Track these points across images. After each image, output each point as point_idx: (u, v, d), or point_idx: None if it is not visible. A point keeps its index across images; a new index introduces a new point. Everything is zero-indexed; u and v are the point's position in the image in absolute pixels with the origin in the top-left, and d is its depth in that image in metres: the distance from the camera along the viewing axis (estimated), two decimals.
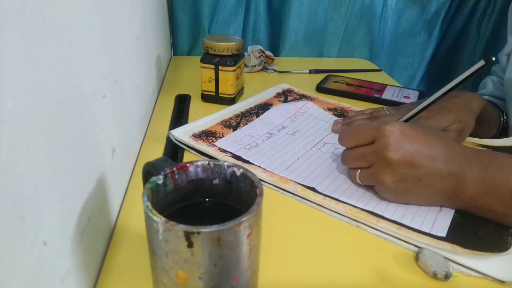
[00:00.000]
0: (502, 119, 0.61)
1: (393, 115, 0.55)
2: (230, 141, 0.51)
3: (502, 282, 0.33)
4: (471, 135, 0.53)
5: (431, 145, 0.38)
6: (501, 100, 0.66)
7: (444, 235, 0.37)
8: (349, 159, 0.43)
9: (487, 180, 0.37)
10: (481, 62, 0.39)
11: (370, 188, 0.43)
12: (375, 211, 0.40)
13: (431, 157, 0.38)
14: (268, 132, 0.55)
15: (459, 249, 0.35)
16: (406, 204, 0.41)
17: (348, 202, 0.41)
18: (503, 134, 0.60)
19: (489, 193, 0.37)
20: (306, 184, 0.43)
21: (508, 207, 0.36)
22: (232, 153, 0.49)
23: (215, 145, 0.50)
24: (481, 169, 0.37)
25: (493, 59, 0.38)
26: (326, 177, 0.45)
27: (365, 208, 0.40)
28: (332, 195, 0.42)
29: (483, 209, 0.38)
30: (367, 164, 0.41)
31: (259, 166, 0.46)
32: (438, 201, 0.40)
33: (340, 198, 0.41)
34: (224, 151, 0.49)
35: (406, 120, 0.45)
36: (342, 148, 0.52)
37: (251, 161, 0.47)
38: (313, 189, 0.43)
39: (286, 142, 0.53)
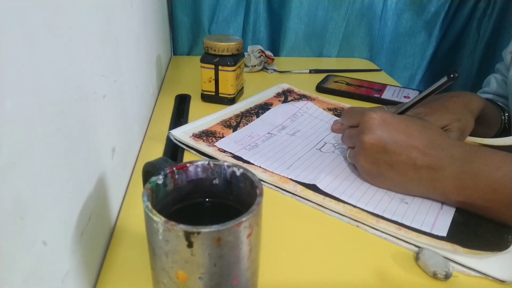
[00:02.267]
0: (503, 117, 0.61)
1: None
2: (231, 142, 0.51)
3: (502, 281, 0.33)
4: (471, 135, 0.53)
5: (410, 136, 0.40)
6: (504, 99, 0.65)
7: (444, 234, 0.37)
8: (343, 137, 0.47)
9: (468, 174, 0.37)
10: (444, 79, 0.41)
11: (370, 187, 0.43)
12: (376, 211, 0.40)
13: (406, 146, 0.39)
14: (268, 133, 0.55)
15: (459, 248, 0.35)
16: (385, 188, 0.43)
17: (349, 201, 0.41)
18: (504, 133, 0.60)
19: (470, 187, 0.37)
20: (306, 182, 0.43)
21: (490, 202, 0.37)
22: (233, 154, 0.49)
23: (215, 145, 0.50)
24: (463, 163, 0.37)
25: (457, 75, 0.40)
26: (326, 176, 0.45)
27: (366, 208, 0.40)
28: (332, 194, 0.42)
29: (467, 204, 0.39)
30: (352, 145, 0.45)
31: (260, 167, 0.46)
32: (413, 190, 0.41)
33: (340, 197, 0.41)
34: (224, 151, 0.49)
35: (401, 113, 0.47)
36: (342, 147, 0.52)
37: (251, 162, 0.47)
38: (314, 186, 0.43)
39: (286, 142, 0.53)
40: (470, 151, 0.38)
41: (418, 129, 0.40)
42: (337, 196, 0.41)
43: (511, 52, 0.65)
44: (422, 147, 0.39)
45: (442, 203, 0.41)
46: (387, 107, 0.57)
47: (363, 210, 0.40)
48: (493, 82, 0.69)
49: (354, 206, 0.40)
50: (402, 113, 0.46)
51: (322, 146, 0.52)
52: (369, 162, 0.41)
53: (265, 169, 0.46)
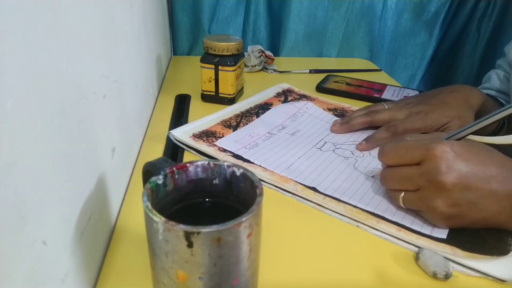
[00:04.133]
0: None
1: (410, 101, 0.54)
2: (231, 141, 0.51)
3: (502, 281, 0.33)
4: (472, 132, 0.53)
5: (485, 165, 0.35)
6: (505, 95, 0.65)
7: (444, 237, 0.37)
8: (391, 180, 0.39)
9: None
10: None
11: (371, 188, 0.43)
12: (376, 211, 0.39)
13: (486, 178, 0.34)
14: (268, 132, 0.55)
15: (458, 251, 0.35)
16: (458, 228, 0.37)
17: (349, 202, 0.41)
18: (503, 129, 0.60)
19: None
20: (307, 184, 0.43)
21: None
22: (233, 153, 0.49)
23: (215, 145, 0.50)
24: None
25: None
26: (326, 176, 0.45)
27: (366, 208, 0.40)
28: (333, 195, 0.42)
29: None
30: (413, 187, 0.37)
31: (260, 166, 0.46)
32: (492, 224, 0.36)
33: (341, 198, 0.41)
34: (224, 150, 0.49)
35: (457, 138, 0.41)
36: (342, 148, 0.52)
37: (251, 160, 0.47)
38: (314, 189, 0.43)
39: (287, 142, 0.53)
40: None
41: (488, 156, 0.36)
42: (337, 197, 0.41)
43: None
44: (499, 175, 0.35)
45: None
46: (386, 104, 0.57)
47: (363, 210, 0.40)
48: (494, 78, 0.68)
49: (355, 207, 0.40)
50: (460, 138, 0.40)
51: (322, 146, 0.52)
52: (450, 204, 0.35)
53: (265, 168, 0.46)
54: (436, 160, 0.35)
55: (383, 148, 0.40)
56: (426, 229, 0.37)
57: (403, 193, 0.38)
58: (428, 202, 0.36)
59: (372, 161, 0.49)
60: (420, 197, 0.36)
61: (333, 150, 0.51)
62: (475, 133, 0.47)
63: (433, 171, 0.35)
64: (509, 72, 0.65)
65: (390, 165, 0.39)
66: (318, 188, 0.43)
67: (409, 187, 0.37)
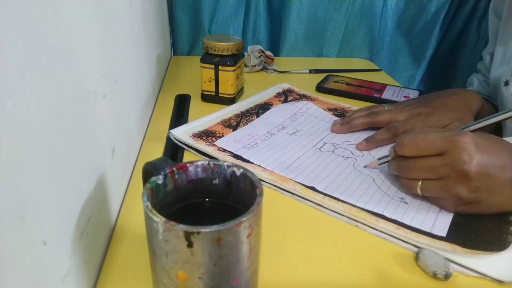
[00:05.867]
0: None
1: (412, 103, 0.55)
2: (230, 141, 0.51)
3: (501, 282, 0.33)
4: None
5: (501, 155, 0.38)
6: (490, 98, 0.66)
7: (444, 234, 0.37)
8: (412, 169, 0.40)
9: None
10: None
11: (370, 187, 0.43)
12: (375, 210, 0.40)
13: (502, 166, 0.37)
14: (268, 132, 0.55)
15: (458, 248, 0.35)
16: (473, 213, 0.39)
17: (348, 201, 0.41)
18: (496, 131, 0.61)
19: None
20: (306, 184, 0.43)
21: None
22: (232, 153, 0.49)
23: (215, 145, 0.50)
24: None
25: None
26: (326, 176, 0.45)
27: (365, 207, 0.40)
28: (332, 194, 0.42)
29: None
30: (435, 176, 0.39)
31: (259, 166, 0.46)
32: (505, 208, 0.39)
33: (340, 197, 0.41)
34: (224, 150, 0.49)
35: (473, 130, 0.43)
36: (342, 148, 0.52)
37: (251, 160, 0.47)
38: (313, 188, 0.43)
39: (286, 141, 0.53)
40: None
41: (501, 146, 0.39)
42: (336, 196, 0.41)
43: (490, 54, 0.66)
44: (511, 163, 0.37)
45: None
46: (387, 105, 0.57)
47: (362, 209, 0.40)
48: (475, 82, 0.70)
49: (354, 206, 0.40)
50: (473, 130, 0.43)
51: (322, 146, 0.52)
52: (471, 191, 0.37)
53: (264, 168, 0.46)
54: (460, 150, 0.37)
55: (403, 140, 0.41)
56: (426, 227, 0.37)
57: (420, 182, 0.40)
58: (451, 190, 0.38)
59: (371, 161, 0.49)
60: (441, 185, 0.38)
61: (333, 151, 0.51)
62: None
63: (457, 161, 0.37)
64: (487, 76, 0.66)
65: (410, 156, 0.40)
66: (317, 188, 0.43)
67: (430, 176, 0.39)
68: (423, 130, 0.41)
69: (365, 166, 0.47)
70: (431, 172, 0.39)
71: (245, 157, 0.48)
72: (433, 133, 0.40)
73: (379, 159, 0.46)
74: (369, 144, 0.52)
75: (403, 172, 0.41)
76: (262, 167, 0.46)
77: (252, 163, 0.47)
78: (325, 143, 0.53)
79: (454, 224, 0.38)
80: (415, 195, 0.42)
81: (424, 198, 0.41)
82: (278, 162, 0.47)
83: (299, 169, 0.46)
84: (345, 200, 0.41)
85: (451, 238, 0.36)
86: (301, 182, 0.44)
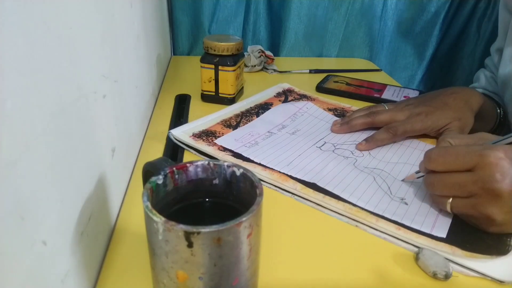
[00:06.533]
0: (498, 111, 0.61)
1: (412, 103, 0.55)
2: (230, 139, 0.51)
3: (501, 282, 0.33)
4: (470, 132, 0.53)
5: None
6: (495, 94, 0.66)
7: (444, 236, 0.37)
8: (440, 186, 0.38)
9: None
10: None
11: (371, 186, 0.43)
12: (376, 210, 0.40)
13: None
14: (268, 131, 0.55)
15: (458, 251, 0.35)
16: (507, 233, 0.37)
17: (349, 200, 0.41)
18: (499, 127, 0.60)
19: None
20: (307, 180, 0.43)
21: None
22: (233, 151, 0.49)
23: (215, 145, 0.50)
24: None
25: None
26: (327, 173, 0.45)
27: (366, 207, 0.40)
28: (333, 191, 0.42)
29: None
30: (464, 194, 0.36)
31: (260, 164, 0.46)
32: None
33: (341, 195, 0.41)
34: (224, 149, 0.49)
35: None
36: (342, 148, 0.52)
37: (251, 158, 0.47)
38: (314, 185, 0.43)
39: (287, 140, 0.53)
40: None
41: None
42: (337, 193, 0.41)
43: (498, 49, 0.65)
44: None
45: None
46: (387, 105, 0.57)
47: (363, 209, 0.40)
48: (482, 78, 0.69)
49: (354, 205, 0.40)
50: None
51: (322, 145, 0.53)
52: (505, 212, 0.34)
53: (265, 166, 0.46)
54: (491, 167, 0.34)
55: (430, 154, 0.38)
56: (426, 228, 0.37)
57: (451, 199, 0.37)
58: (481, 210, 0.35)
59: (372, 161, 0.49)
60: (473, 204, 0.36)
61: (333, 150, 0.51)
62: (473, 131, 0.45)
63: (488, 179, 0.34)
64: (495, 72, 0.66)
65: (438, 171, 0.38)
66: (318, 184, 0.43)
67: (459, 194, 0.37)
68: (455, 143, 0.38)
69: (402, 180, 0.45)
70: (460, 189, 0.36)
71: (245, 155, 0.48)
72: (463, 146, 0.37)
73: (416, 172, 0.43)
74: (369, 144, 0.52)
75: (431, 188, 0.39)
76: (263, 164, 0.46)
77: (253, 161, 0.47)
78: (325, 142, 0.54)
79: (454, 225, 0.38)
80: (415, 195, 0.42)
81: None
82: (279, 160, 0.47)
83: (299, 166, 0.46)
84: (346, 198, 0.41)
85: (451, 240, 0.36)
86: (302, 179, 0.44)
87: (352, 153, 0.51)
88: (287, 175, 0.45)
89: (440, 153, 0.37)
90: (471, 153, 0.35)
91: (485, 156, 0.34)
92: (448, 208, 0.38)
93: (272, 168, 0.46)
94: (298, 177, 0.44)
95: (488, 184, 0.34)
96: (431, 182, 0.39)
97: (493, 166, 0.34)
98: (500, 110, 0.61)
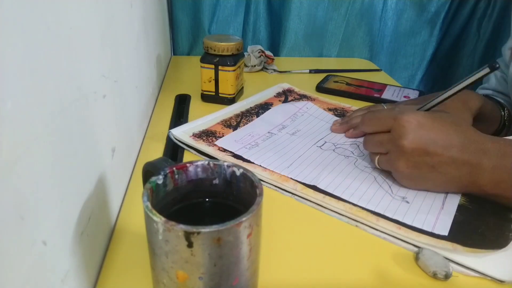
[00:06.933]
0: (503, 114, 0.60)
1: (411, 103, 0.55)
2: (231, 140, 0.51)
3: (501, 281, 0.33)
4: None
5: (447, 134, 0.39)
6: (504, 95, 0.65)
7: (446, 233, 0.37)
8: (369, 144, 0.45)
9: (504, 168, 0.38)
10: (485, 69, 0.40)
11: (372, 187, 0.43)
12: (377, 210, 0.40)
13: (446, 146, 0.39)
14: (268, 132, 0.55)
15: (459, 247, 0.35)
16: (423, 190, 0.42)
17: (350, 200, 0.41)
18: (504, 130, 0.60)
19: (506, 181, 0.38)
20: (307, 183, 0.43)
21: None
22: (233, 152, 0.49)
23: (215, 145, 0.50)
24: (498, 158, 0.38)
25: (497, 66, 0.39)
26: (327, 174, 0.45)
27: (367, 207, 0.40)
28: (334, 193, 0.42)
29: (500, 197, 0.39)
30: (384, 151, 0.43)
31: (260, 165, 0.46)
32: (453, 187, 0.42)
33: (341, 196, 0.41)
34: (224, 150, 0.49)
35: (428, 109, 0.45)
36: (342, 147, 0.52)
37: (251, 160, 0.47)
38: (314, 187, 0.43)
39: (287, 141, 0.53)
40: (503, 144, 0.39)
41: (452, 127, 0.40)
42: (338, 195, 0.41)
43: (510, 48, 0.65)
44: (459, 144, 0.39)
45: (443, 202, 0.41)
46: (386, 105, 0.57)
47: (363, 209, 0.40)
48: (492, 79, 0.69)
49: (355, 205, 0.40)
50: (429, 109, 0.45)
51: (323, 144, 0.53)
52: (410, 166, 0.40)
53: (265, 168, 0.46)
54: (400, 128, 0.40)
55: (363, 118, 0.46)
56: (428, 226, 0.37)
57: (378, 156, 0.44)
58: (393, 164, 0.42)
59: (371, 161, 0.49)
60: (388, 159, 0.43)
61: (333, 150, 0.51)
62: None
63: (397, 137, 0.40)
64: (505, 73, 0.65)
65: (368, 132, 0.45)
66: (319, 186, 0.43)
67: (381, 151, 0.44)
68: (381, 109, 0.44)
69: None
70: (381, 146, 0.43)
71: (245, 157, 0.48)
72: (386, 111, 0.44)
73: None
74: (342, 127, 0.56)
75: (365, 146, 0.46)
76: (263, 167, 0.46)
77: (253, 163, 0.47)
78: (325, 141, 0.54)
79: (456, 223, 0.38)
80: (417, 194, 0.42)
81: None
82: (279, 162, 0.47)
83: (300, 168, 0.46)
84: (347, 199, 0.41)
85: (452, 237, 0.36)
86: (302, 182, 0.44)
87: (353, 153, 0.51)
88: (287, 176, 0.45)
89: (369, 117, 0.45)
90: (390, 116, 0.42)
91: (398, 119, 0.41)
92: (377, 164, 0.45)
93: (272, 170, 0.46)
94: (299, 179, 0.44)
95: (397, 141, 0.40)
96: (365, 141, 0.46)
97: (402, 127, 0.40)
98: (504, 112, 0.60)
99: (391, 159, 0.42)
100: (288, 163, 0.47)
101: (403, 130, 0.40)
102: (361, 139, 0.54)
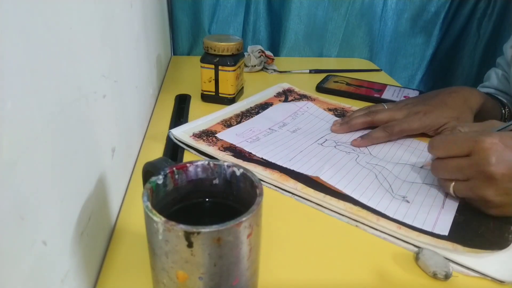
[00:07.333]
0: (503, 112, 0.60)
1: (411, 102, 0.55)
2: (232, 134, 0.52)
3: (501, 282, 0.33)
4: None
5: None
6: (505, 94, 0.65)
7: (446, 233, 0.37)
8: (441, 170, 0.41)
9: None
10: None
11: (373, 183, 0.43)
12: (378, 208, 0.40)
13: None
14: (269, 128, 0.55)
15: (459, 247, 0.35)
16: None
17: (352, 195, 0.41)
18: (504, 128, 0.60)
19: None
20: (310, 174, 0.43)
21: None
22: (234, 148, 0.49)
23: (215, 144, 0.50)
24: None
25: None
26: (329, 168, 0.45)
27: (368, 204, 0.40)
28: (336, 186, 0.42)
29: None
30: (463, 177, 0.39)
31: (262, 159, 0.47)
32: None
33: (344, 190, 0.41)
34: (225, 149, 0.49)
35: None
36: (344, 144, 0.52)
37: (253, 153, 0.47)
38: (317, 178, 0.43)
39: (288, 138, 0.53)
40: None
41: None
42: (340, 188, 0.42)
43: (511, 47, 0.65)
44: None
45: (443, 202, 0.41)
46: (386, 104, 0.57)
47: (364, 207, 0.40)
48: (493, 77, 0.69)
49: (355, 204, 0.40)
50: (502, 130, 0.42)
51: (324, 142, 0.53)
52: (500, 194, 0.36)
53: (266, 164, 0.46)
54: (485, 151, 0.36)
55: (433, 141, 0.41)
56: (428, 226, 0.37)
57: (453, 183, 0.40)
58: (478, 192, 0.37)
59: (372, 159, 0.49)
60: (471, 186, 0.38)
61: (334, 146, 0.52)
62: None
63: (482, 162, 0.36)
64: (507, 71, 0.65)
65: (440, 157, 0.41)
66: (321, 178, 0.43)
67: (459, 177, 0.39)
68: (463, 130, 0.41)
69: (421, 167, 0.47)
70: (459, 172, 0.38)
71: (247, 150, 0.48)
72: (462, 134, 0.40)
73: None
74: (364, 141, 0.52)
75: (435, 173, 0.42)
76: (265, 160, 0.46)
77: (255, 155, 0.47)
78: (326, 139, 0.54)
79: (456, 223, 0.38)
80: (417, 193, 0.42)
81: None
82: (281, 155, 0.48)
83: (302, 161, 0.47)
84: (349, 193, 0.41)
85: (452, 237, 0.36)
86: (304, 173, 0.44)
87: (354, 150, 0.51)
88: (288, 170, 0.45)
89: (441, 140, 0.40)
90: (468, 139, 0.38)
91: (480, 142, 0.36)
92: (451, 191, 0.40)
93: (273, 164, 0.46)
94: (301, 171, 0.44)
95: (482, 167, 0.36)
96: (435, 167, 0.41)
97: (487, 150, 0.36)
98: (505, 110, 0.60)
99: (475, 187, 0.37)
100: (290, 156, 0.48)
101: (488, 153, 0.36)
102: (359, 133, 0.54)
